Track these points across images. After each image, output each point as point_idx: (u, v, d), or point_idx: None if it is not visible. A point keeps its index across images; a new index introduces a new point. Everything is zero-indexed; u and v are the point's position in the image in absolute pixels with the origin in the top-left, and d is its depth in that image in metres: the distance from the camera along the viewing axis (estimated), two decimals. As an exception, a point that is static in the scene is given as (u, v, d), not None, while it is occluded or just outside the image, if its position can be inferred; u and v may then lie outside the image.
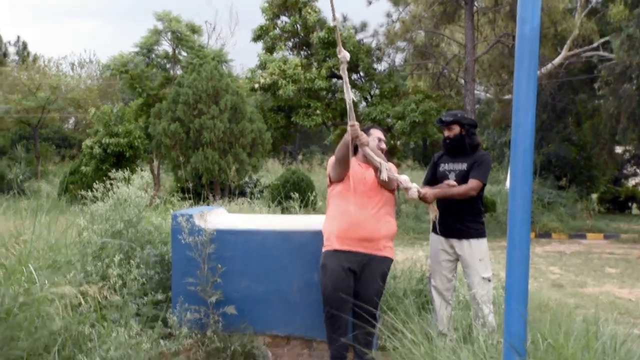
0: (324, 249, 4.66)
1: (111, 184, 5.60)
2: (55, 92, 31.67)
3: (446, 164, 5.33)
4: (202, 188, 17.02)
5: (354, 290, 4.59)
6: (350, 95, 4.46)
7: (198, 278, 4.83)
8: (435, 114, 21.54)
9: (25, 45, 40.83)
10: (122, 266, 4.41)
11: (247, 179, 18.94)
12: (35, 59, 38.66)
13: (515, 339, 3.08)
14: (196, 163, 17.07)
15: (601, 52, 22.55)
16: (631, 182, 39.10)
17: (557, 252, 16.03)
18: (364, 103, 23.37)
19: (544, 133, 26.81)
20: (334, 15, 4.21)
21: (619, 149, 31.90)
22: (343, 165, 4.63)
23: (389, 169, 4.61)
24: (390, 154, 23.23)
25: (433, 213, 5.06)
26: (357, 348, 4.53)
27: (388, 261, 4.71)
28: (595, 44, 22.37)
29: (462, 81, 22.16)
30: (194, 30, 22.61)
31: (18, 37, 41.64)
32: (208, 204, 7.79)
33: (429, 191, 4.98)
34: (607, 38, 21.48)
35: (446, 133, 5.31)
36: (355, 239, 4.56)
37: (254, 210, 8.59)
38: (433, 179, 5.40)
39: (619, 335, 3.53)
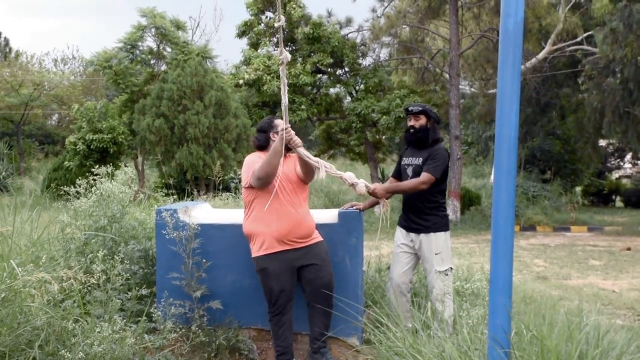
0: (259, 253, 4.55)
1: (94, 180, 5.57)
2: (38, 88, 31.48)
3: (407, 158, 5.38)
4: (186, 183, 16.96)
5: (306, 281, 4.62)
6: (286, 97, 4.34)
7: (182, 273, 4.81)
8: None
9: (7, 42, 40.43)
10: (106, 262, 4.38)
11: (232, 174, 18.89)
12: (18, 55, 38.30)
13: (499, 331, 3.10)
14: (181, 159, 17.02)
15: (585, 47, 22.65)
16: (615, 175, 39.47)
17: (542, 244, 16.13)
18: (349, 98, 23.36)
19: (529, 127, 26.96)
20: (279, 16, 4.17)
21: (602, 142, 32.14)
22: (274, 175, 4.49)
23: (327, 166, 4.53)
24: (375, 148, 23.26)
25: (384, 207, 5.05)
26: (314, 343, 4.63)
27: (324, 243, 4.72)
28: (579, 39, 22.46)
29: (447, 76, 22.21)
30: (179, 26, 22.51)
31: (-1, 33, 41.17)
32: (192, 200, 7.76)
33: (379, 186, 5.02)
34: (590, 32, 21.58)
35: (411, 122, 5.31)
36: (296, 237, 4.54)
37: (239, 206, 8.57)
38: (397, 174, 5.49)
39: (602, 326, 3.56)
